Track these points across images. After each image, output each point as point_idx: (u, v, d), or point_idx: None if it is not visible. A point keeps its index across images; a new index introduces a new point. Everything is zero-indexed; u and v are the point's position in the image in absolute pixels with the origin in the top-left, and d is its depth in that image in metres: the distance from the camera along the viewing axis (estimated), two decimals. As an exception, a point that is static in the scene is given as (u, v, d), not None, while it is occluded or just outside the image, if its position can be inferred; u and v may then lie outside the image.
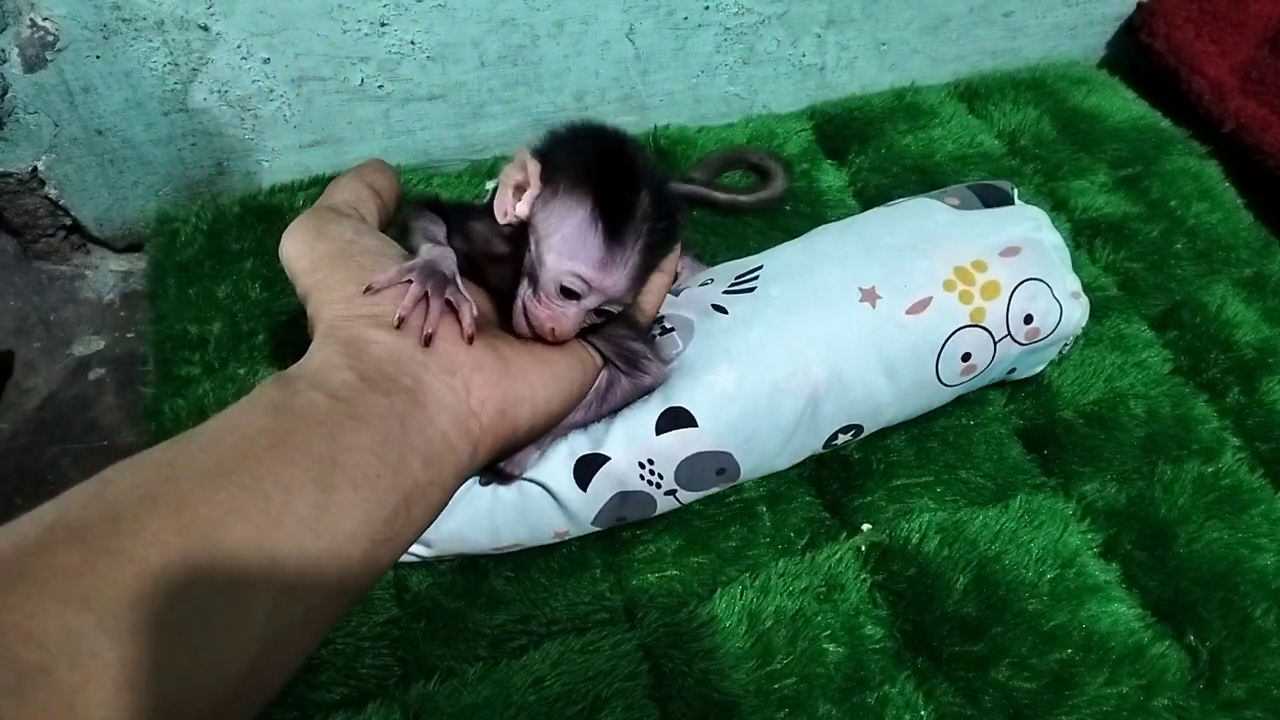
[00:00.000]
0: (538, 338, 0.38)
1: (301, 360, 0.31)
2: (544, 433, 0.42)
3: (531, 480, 0.47)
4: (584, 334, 0.41)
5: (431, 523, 0.32)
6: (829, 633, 0.48)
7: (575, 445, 0.47)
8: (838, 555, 0.51)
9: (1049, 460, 0.57)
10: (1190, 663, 0.49)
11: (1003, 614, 0.49)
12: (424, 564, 0.51)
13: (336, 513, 0.26)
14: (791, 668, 0.47)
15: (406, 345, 0.32)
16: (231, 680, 0.23)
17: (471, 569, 0.51)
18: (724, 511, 0.53)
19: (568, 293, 0.36)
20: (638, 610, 0.50)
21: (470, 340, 0.34)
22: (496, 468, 0.46)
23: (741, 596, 0.49)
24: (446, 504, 0.32)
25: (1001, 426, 0.59)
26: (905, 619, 0.50)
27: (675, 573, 0.51)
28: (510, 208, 0.37)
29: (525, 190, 0.37)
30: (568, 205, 0.36)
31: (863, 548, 0.52)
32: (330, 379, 0.30)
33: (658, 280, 0.44)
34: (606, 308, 0.37)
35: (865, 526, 0.53)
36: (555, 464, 0.47)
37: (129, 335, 0.70)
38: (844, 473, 0.56)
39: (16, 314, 0.71)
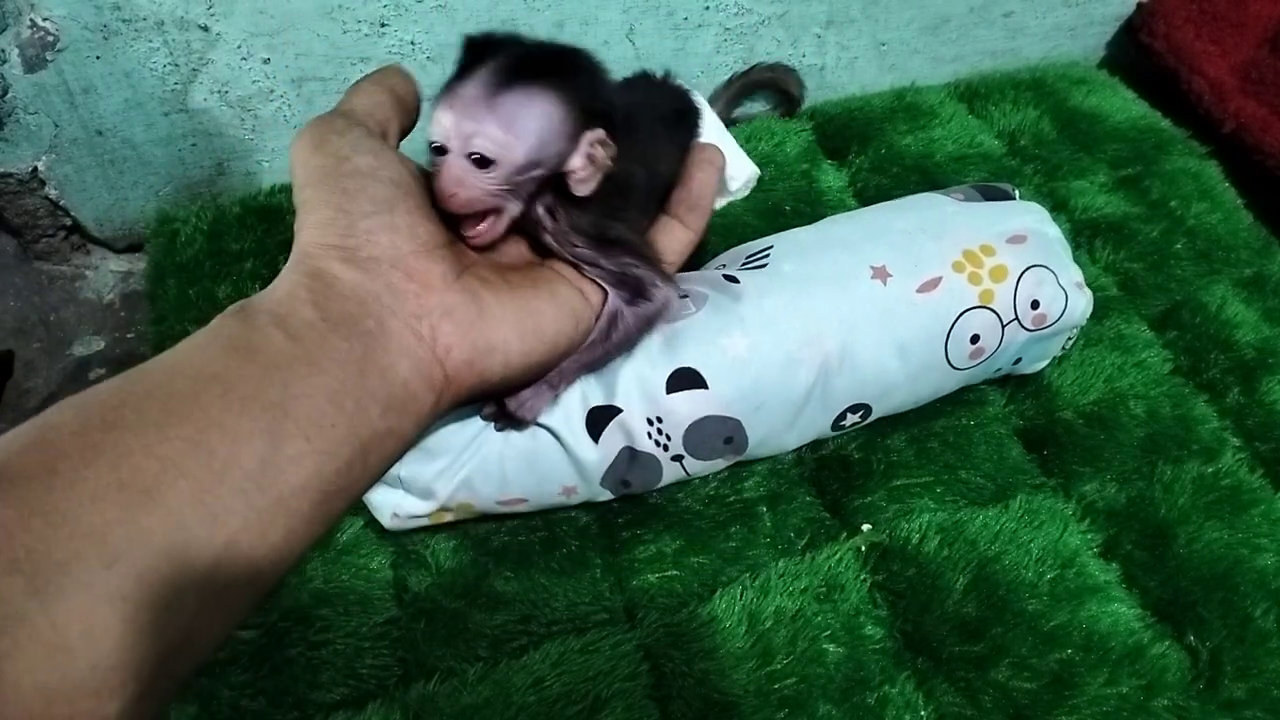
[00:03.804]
0: (457, 218, 0.35)
1: (269, 286, 0.30)
2: (522, 385, 0.40)
3: (544, 426, 0.46)
4: (583, 267, 0.38)
5: (387, 470, 0.30)
6: (829, 633, 0.48)
7: (589, 394, 0.46)
8: (838, 555, 0.51)
9: (1049, 460, 0.57)
10: (1190, 663, 0.49)
11: (1003, 614, 0.49)
12: (423, 562, 0.51)
13: (285, 465, 0.25)
14: (791, 668, 0.47)
15: (374, 285, 0.30)
16: (171, 640, 0.23)
17: (472, 569, 0.51)
18: (724, 512, 0.53)
19: (437, 149, 0.34)
20: (638, 610, 0.50)
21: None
22: (509, 413, 0.43)
23: (741, 597, 0.49)
24: (404, 454, 0.31)
25: (1001, 426, 0.59)
26: (905, 619, 0.50)
27: (675, 573, 0.51)
28: None
29: None
30: None
31: (863, 548, 0.52)
32: (291, 315, 0.28)
33: (680, 234, 0.40)
34: (479, 147, 0.33)
35: (865, 526, 0.53)
36: (569, 412, 0.46)
37: (129, 336, 0.70)
38: (844, 473, 0.56)
39: (16, 314, 0.71)
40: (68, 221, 0.72)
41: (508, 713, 0.45)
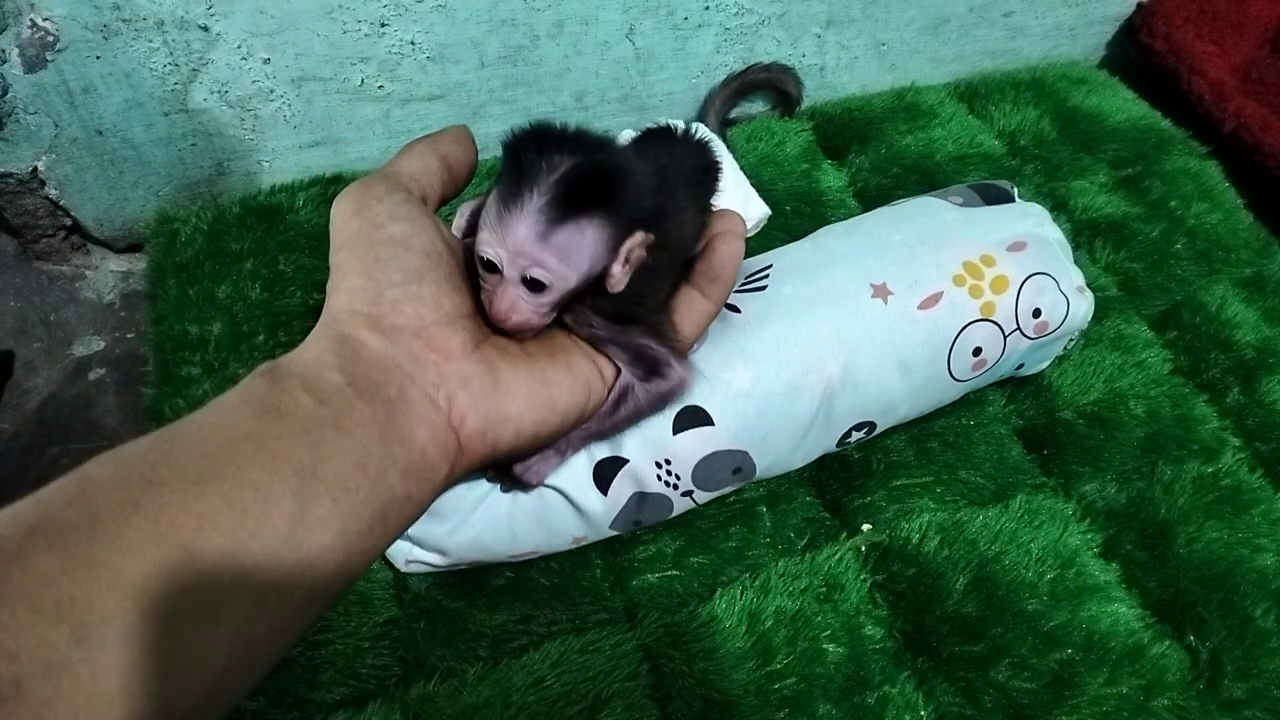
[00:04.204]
0: (510, 333, 0.36)
1: (299, 348, 0.31)
2: (531, 453, 0.41)
3: (551, 487, 0.47)
4: (599, 344, 0.38)
5: (402, 534, 0.31)
6: (829, 633, 0.48)
7: (595, 448, 0.47)
8: (838, 555, 0.51)
9: (1049, 460, 0.57)
10: (1190, 663, 0.49)
11: (1003, 614, 0.49)
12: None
13: (313, 526, 0.26)
14: (791, 668, 0.47)
15: (396, 353, 0.32)
16: (198, 694, 0.23)
17: (472, 569, 0.51)
18: (724, 512, 0.53)
19: (488, 266, 0.35)
20: (638, 610, 0.50)
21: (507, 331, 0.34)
22: (514, 475, 0.44)
23: (741, 596, 0.49)
24: (419, 518, 0.32)
25: (1001, 426, 0.59)
26: (905, 619, 0.50)
27: (675, 573, 0.51)
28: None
29: None
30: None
31: (863, 548, 0.52)
32: (319, 379, 0.29)
33: (700, 307, 0.41)
34: (536, 275, 0.34)
35: (865, 526, 0.53)
36: (575, 469, 0.47)
37: (129, 335, 0.70)
38: (844, 473, 0.56)
39: (16, 314, 0.71)
40: (68, 221, 0.72)
41: (508, 713, 0.45)
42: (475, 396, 0.33)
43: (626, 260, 0.36)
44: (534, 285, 0.35)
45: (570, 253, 0.34)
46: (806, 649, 0.47)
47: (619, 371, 0.39)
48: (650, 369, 0.39)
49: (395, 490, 0.29)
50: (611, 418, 0.40)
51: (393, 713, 0.45)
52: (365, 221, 0.34)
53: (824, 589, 0.50)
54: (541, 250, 0.34)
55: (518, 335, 0.36)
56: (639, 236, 0.36)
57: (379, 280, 0.32)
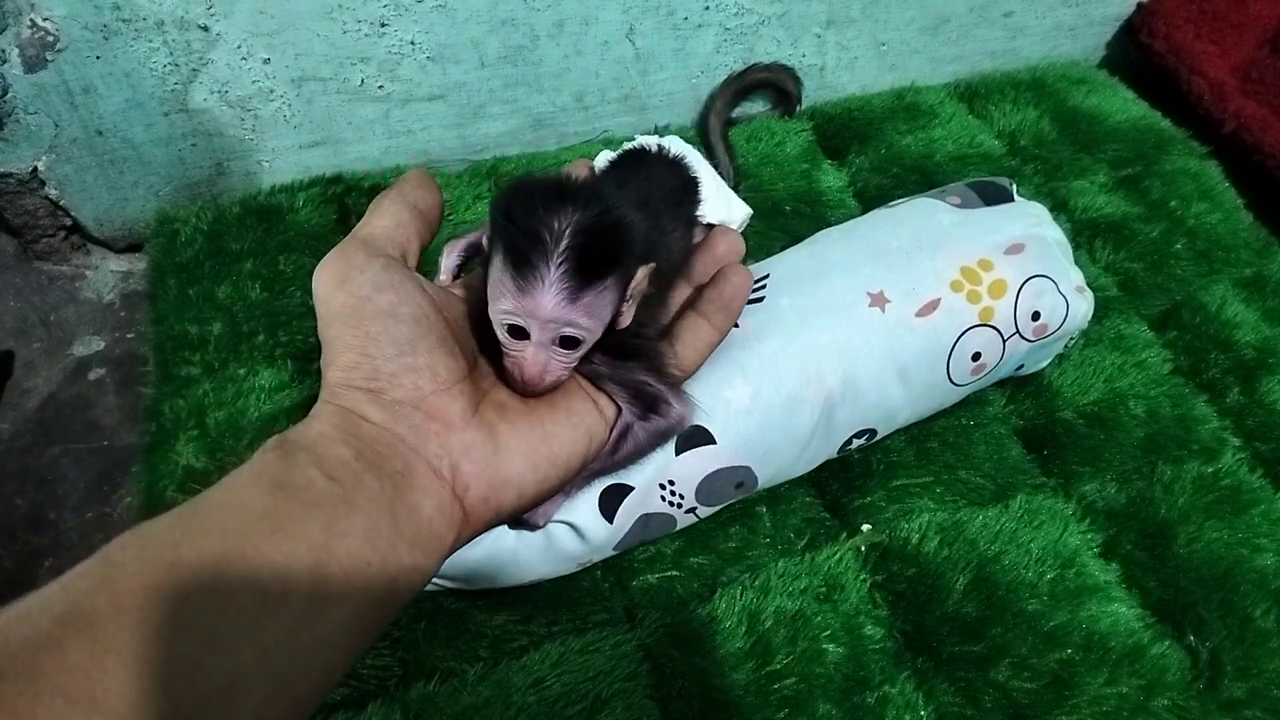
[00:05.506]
0: (531, 393, 0.36)
1: (303, 423, 0.32)
2: (534, 506, 0.41)
3: (557, 520, 0.47)
4: (599, 380, 0.39)
5: (409, 603, 0.32)
6: (829, 633, 0.48)
7: (598, 480, 0.46)
8: (837, 555, 0.51)
9: (1049, 460, 0.57)
10: (1190, 663, 0.49)
11: (1003, 614, 0.49)
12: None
13: (329, 605, 0.27)
14: (791, 668, 0.47)
15: (399, 427, 0.32)
16: None
17: (471, 569, 0.51)
18: (724, 512, 0.53)
19: (514, 332, 0.35)
20: (638, 610, 0.50)
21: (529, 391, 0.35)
22: (521, 517, 0.44)
23: (741, 597, 0.49)
24: (427, 584, 0.33)
25: (1001, 426, 0.59)
26: (905, 619, 0.50)
27: (675, 573, 0.51)
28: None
29: None
30: (491, 264, 0.36)
31: (862, 548, 0.52)
32: (328, 455, 0.30)
33: (706, 335, 0.41)
34: (569, 334, 0.35)
35: (865, 527, 0.53)
36: (580, 501, 0.46)
37: (129, 335, 0.70)
38: (844, 473, 0.56)
39: (16, 314, 0.71)
40: (68, 221, 0.72)
41: (508, 713, 0.45)
42: (477, 464, 0.33)
43: (632, 296, 0.37)
44: (568, 342, 0.35)
45: (597, 309, 0.35)
46: (806, 649, 0.47)
47: (619, 409, 0.39)
48: (649, 406, 0.40)
49: (404, 563, 0.30)
50: (613, 457, 0.41)
51: (393, 713, 0.45)
52: (350, 295, 0.34)
53: (824, 589, 0.50)
54: (573, 313, 0.34)
55: (546, 393, 0.36)
56: (642, 272, 0.36)
57: (373, 356, 0.33)
